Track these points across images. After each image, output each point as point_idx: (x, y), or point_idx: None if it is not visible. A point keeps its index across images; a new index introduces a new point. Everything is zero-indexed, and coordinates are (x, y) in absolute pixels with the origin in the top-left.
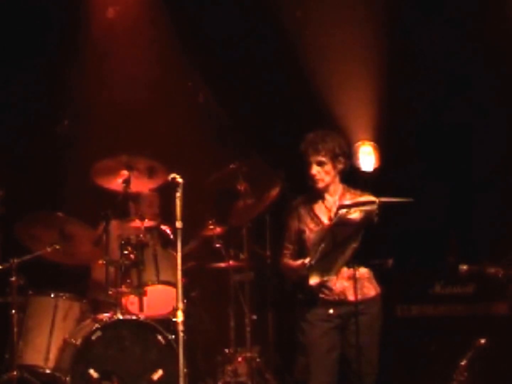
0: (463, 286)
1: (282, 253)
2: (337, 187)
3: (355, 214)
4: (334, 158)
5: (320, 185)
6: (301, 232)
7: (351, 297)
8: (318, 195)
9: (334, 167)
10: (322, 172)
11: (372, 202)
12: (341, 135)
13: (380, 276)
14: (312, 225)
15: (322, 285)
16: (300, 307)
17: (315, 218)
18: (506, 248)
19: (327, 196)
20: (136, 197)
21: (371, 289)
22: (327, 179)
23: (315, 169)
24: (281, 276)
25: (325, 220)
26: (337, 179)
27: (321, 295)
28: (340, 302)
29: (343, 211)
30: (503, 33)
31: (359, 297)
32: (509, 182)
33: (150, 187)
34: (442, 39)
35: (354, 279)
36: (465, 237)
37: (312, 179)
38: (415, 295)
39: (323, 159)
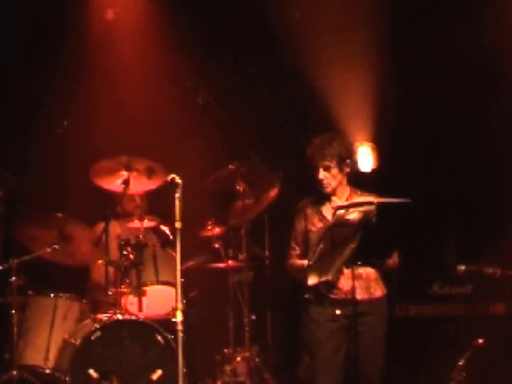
0: (461, 286)
1: (289, 254)
2: (345, 190)
3: (353, 215)
4: (340, 162)
5: (328, 189)
6: (308, 232)
7: (359, 296)
8: (325, 196)
9: (341, 170)
10: (329, 177)
11: (370, 203)
12: (345, 137)
13: None
14: (319, 226)
15: (330, 285)
16: (306, 306)
17: (323, 219)
18: (504, 248)
19: (334, 198)
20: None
21: (378, 290)
22: (334, 183)
23: (322, 174)
24: (280, 276)
25: None
26: (344, 181)
27: (330, 295)
28: (348, 302)
29: (341, 211)
30: (503, 34)
31: (366, 296)
32: (508, 182)
33: (150, 188)
34: (442, 40)
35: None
36: (463, 237)
37: (319, 184)
38: (413, 295)
39: (330, 163)
